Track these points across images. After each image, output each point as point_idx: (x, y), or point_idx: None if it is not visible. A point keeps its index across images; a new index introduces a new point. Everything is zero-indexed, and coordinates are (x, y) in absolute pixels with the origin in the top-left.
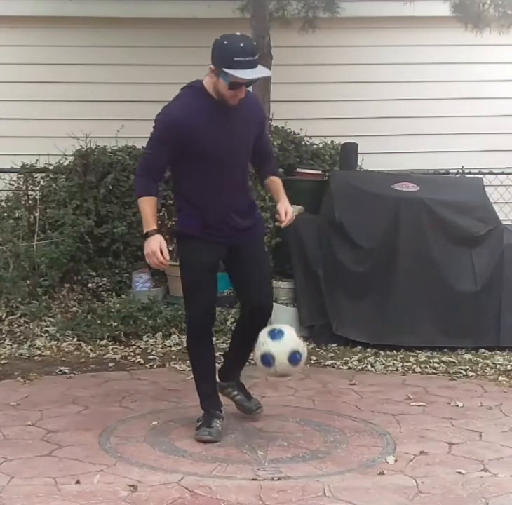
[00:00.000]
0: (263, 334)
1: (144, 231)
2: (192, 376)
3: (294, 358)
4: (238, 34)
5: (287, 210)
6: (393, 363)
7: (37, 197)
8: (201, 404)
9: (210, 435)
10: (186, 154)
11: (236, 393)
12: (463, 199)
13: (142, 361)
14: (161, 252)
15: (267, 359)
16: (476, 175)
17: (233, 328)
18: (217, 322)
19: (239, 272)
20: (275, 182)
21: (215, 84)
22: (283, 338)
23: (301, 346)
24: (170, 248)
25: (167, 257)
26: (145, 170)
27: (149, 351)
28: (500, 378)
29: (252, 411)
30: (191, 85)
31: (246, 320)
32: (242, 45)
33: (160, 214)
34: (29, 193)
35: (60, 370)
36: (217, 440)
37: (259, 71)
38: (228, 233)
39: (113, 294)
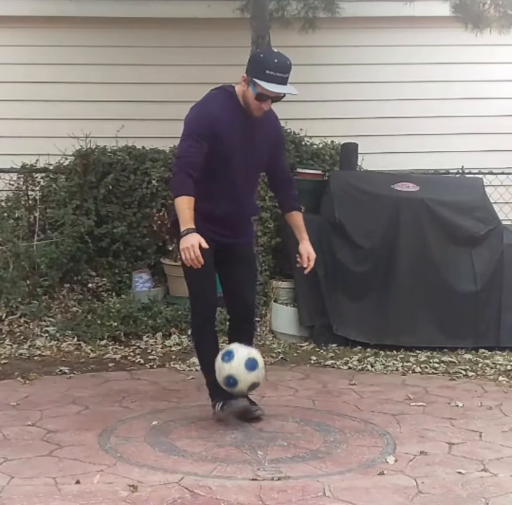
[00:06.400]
0: (217, 361)
1: (182, 229)
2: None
3: (250, 365)
4: (276, 50)
5: (309, 255)
6: (393, 363)
7: (37, 197)
8: (211, 393)
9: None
10: (209, 152)
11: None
12: (463, 199)
13: (142, 361)
14: (200, 247)
15: (229, 381)
16: (476, 175)
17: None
18: (217, 322)
19: (230, 271)
20: (297, 219)
21: (245, 93)
22: (234, 357)
23: (254, 353)
24: (170, 248)
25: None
26: (182, 168)
27: (149, 351)
28: (500, 378)
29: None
30: (224, 87)
31: (235, 319)
32: (276, 60)
33: (160, 214)
34: (29, 193)
35: (60, 370)
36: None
37: (287, 88)
38: (226, 234)
39: (113, 294)
